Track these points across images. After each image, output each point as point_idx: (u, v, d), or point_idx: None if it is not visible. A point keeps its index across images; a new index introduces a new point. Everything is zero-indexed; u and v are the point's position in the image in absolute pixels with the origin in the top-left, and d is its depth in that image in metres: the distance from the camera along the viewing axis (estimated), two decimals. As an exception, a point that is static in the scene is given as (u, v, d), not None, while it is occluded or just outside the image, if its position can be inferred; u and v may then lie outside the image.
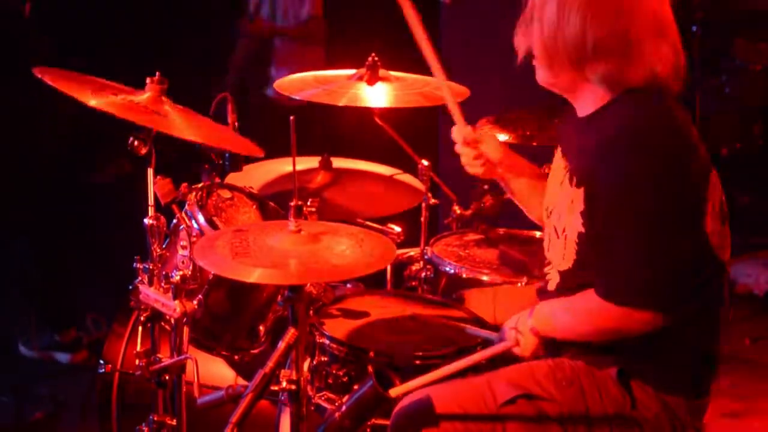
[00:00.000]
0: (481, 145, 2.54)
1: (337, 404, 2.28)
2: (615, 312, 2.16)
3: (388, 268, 3.20)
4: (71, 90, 2.40)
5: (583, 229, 2.21)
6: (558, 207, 2.31)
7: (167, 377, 2.48)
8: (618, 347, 2.24)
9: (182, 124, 2.48)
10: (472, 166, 2.56)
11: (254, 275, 2.11)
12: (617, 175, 2.13)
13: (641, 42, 2.14)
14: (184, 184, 2.61)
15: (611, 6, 2.14)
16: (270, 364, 2.14)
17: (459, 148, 2.56)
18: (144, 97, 2.51)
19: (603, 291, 2.17)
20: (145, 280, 2.48)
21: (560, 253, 2.30)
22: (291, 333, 2.17)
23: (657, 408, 2.22)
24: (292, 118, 2.20)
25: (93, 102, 2.37)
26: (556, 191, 2.34)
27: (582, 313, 2.24)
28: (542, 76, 2.29)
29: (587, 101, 2.26)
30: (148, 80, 2.54)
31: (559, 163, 2.37)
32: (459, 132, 2.55)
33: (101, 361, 2.83)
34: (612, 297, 2.16)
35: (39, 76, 2.41)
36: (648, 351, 2.22)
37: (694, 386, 2.27)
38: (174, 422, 2.51)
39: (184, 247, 2.51)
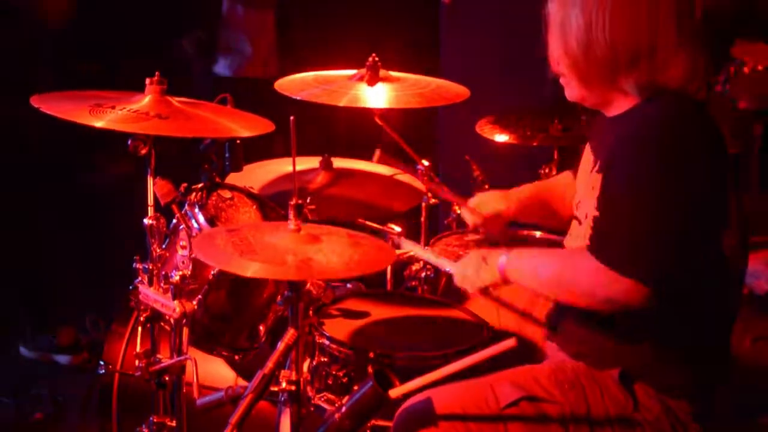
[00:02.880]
0: (487, 222, 2.71)
1: (337, 405, 2.28)
2: (600, 272, 2.10)
3: (388, 267, 3.20)
4: (71, 115, 2.39)
5: (597, 213, 2.21)
6: (583, 196, 2.32)
7: (167, 378, 2.48)
8: (621, 348, 2.24)
9: (186, 123, 2.48)
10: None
11: (252, 268, 2.10)
12: (633, 159, 2.13)
13: (668, 48, 2.15)
14: (184, 184, 2.61)
15: (635, 17, 2.14)
16: (270, 364, 2.14)
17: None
18: (145, 101, 2.50)
19: (594, 247, 2.14)
20: (145, 281, 2.48)
21: (580, 241, 2.30)
22: (291, 333, 2.17)
23: (658, 410, 2.22)
24: (292, 118, 2.20)
25: (98, 123, 2.37)
26: (583, 183, 2.34)
27: (565, 264, 2.20)
28: (573, 94, 2.28)
29: (618, 106, 2.26)
30: (147, 81, 2.54)
31: (587, 158, 2.37)
32: (468, 217, 2.76)
33: (101, 362, 2.83)
34: (600, 254, 2.11)
35: (36, 105, 2.41)
36: (651, 353, 2.22)
37: (697, 390, 2.26)
38: (174, 423, 2.51)
39: (183, 247, 2.51)
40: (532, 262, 2.28)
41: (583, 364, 2.27)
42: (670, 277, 2.10)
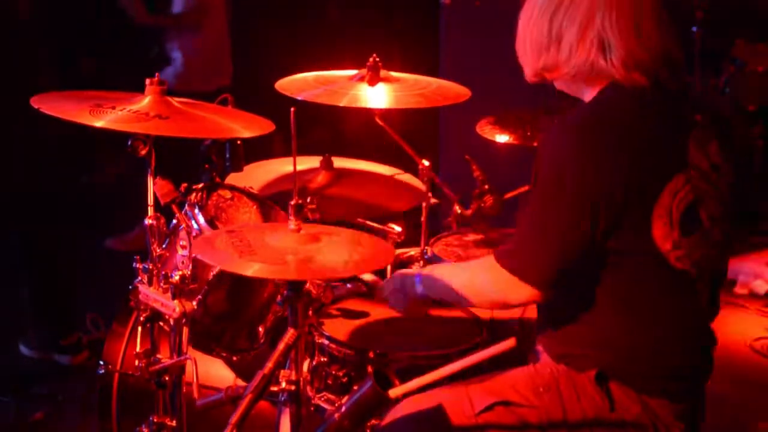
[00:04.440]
0: None
1: (336, 405, 2.28)
2: (503, 277, 2.20)
3: (388, 267, 3.20)
4: (71, 115, 2.39)
5: None
6: None
7: (167, 378, 2.48)
8: (598, 349, 2.24)
9: (187, 123, 2.47)
10: None
11: (252, 268, 2.10)
12: (544, 153, 2.17)
13: (610, 36, 2.15)
14: (184, 185, 2.61)
15: (580, 4, 2.16)
16: (269, 364, 2.14)
17: None
18: (145, 102, 2.50)
19: (498, 253, 2.22)
20: (145, 280, 2.48)
21: None
22: (290, 333, 2.17)
23: (637, 410, 2.22)
24: (293, 109, 2.19)
25: (98, 123, 2.37)
26: None
27: (474, 275, 2.31)
28: (526, 73, 2.33)
29: (580, 98, 2.29)
30: (147, 82, 2.54)
31: None
32: None
33: (101, 362, 2.83)
34: (503, 261, 2.20)
35: (36, 106, 2.41)
36: (626, 354, 2.22)
37: (676, 388, 2.25)
38: (174, 423, 2.51)
39: (183, 247, 2.51)
40: (444, 281, 2.36)
41: (564, 366, 2.28)
42: (563, 278, 2.17)
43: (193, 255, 2.45)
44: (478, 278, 2.31)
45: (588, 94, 2.25)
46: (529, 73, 2.31)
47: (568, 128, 2.17)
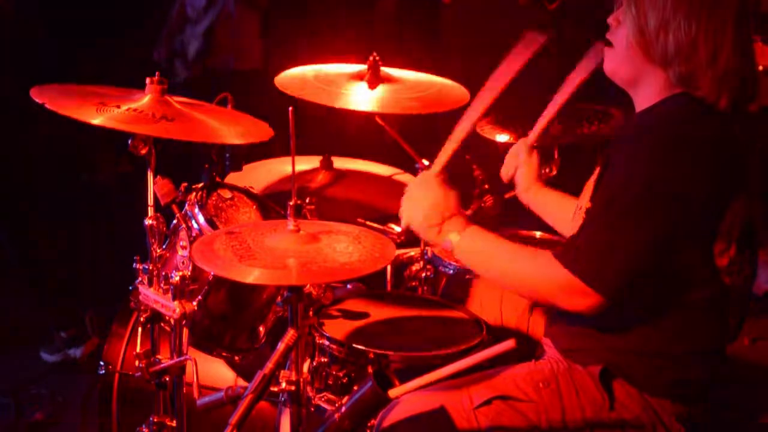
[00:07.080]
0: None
1: (336, 405, 2.28)
2: (563, 278, 2.13)
3: (388, 268, 3.20)
4: (77, 113, 2.37)
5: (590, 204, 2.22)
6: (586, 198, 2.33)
7: (167, 378, 2.48)
8: (607, 347, 2.25)
9: (193, 127, 2.47)
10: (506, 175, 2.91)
11: (253, 275, 2.10)
12: (624, 157, 2.15)
13: (721, 54, 2.15)
14: (184, 184, 2.61)
15: (717, 18, 2.14)
16: (270, 365, 2.14)
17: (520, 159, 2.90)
18: (145, 100, 2.50)
19: (562, 254, 2.15)
20: (145, 281, 2.48)
21: None
22: (290, 334, 2.17)
23: (638, 409, 2.23)
24: (291, 108, 2.19)
25: (106, 123, 2.36)
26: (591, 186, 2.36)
27: (527, 266, 2.21)
28: (612, 65, 2.29)
29: (644, 97, 2.27)
30: (147, 81, 2.54)
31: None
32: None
33: (101, 362, 2.83)
34: (570, 263, 2.13)
35: (38, 100, 2.39)
36: (635, 353, 2.23)
37: (682, 391, 2.26)
38: (174, 423, 2.51)
39: (183, 248, 2.51)
40: (485, 253, 2.29)
41: (564, 363, 2.29)
42: (630, 289, 2.14)
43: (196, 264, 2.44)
44: (528, 271, 2.21)
45: (649, 98, 2.24)
46: (625, 65, 2.26)
47: (647, 139, 2.15)
